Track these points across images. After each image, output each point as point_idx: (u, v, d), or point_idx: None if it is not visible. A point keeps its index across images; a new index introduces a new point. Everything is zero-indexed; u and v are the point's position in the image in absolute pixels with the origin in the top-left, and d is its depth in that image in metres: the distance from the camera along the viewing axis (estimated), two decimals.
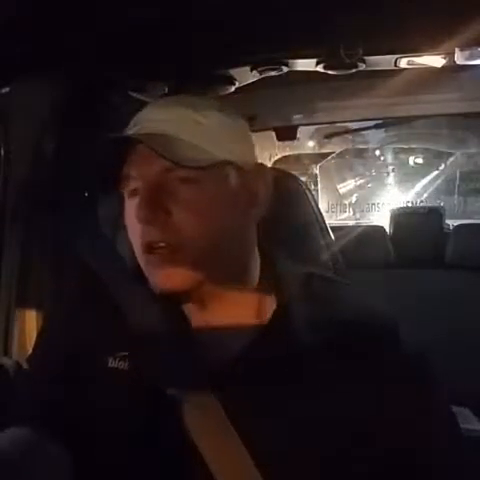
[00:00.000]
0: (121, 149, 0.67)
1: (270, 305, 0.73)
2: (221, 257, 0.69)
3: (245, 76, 1.23)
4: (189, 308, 0.73)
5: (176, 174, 0.66)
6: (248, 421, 0.66)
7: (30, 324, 1.20)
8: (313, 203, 1.01)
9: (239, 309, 0.72)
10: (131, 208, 0.69)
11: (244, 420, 0.66)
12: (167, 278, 0.67)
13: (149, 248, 0.67)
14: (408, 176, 5.95)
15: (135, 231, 0.69)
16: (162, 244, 0.66)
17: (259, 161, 0.76)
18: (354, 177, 6.13)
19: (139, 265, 0.72)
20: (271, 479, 0.64)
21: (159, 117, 0.70)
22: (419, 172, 5.92)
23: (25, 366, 1.04)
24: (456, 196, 5.82)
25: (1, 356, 1.18)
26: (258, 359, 0.68)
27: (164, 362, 0.69)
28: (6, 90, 1.09)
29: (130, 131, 0.70)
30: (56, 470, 0.65)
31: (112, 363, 0.70)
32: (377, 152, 5.88)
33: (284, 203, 0.76)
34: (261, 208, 0.73)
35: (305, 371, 0.67)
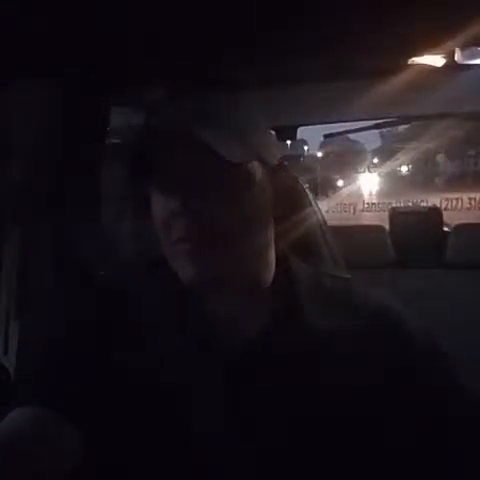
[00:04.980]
0: (160, 141, 0.68)
1: (284, 301, 0.73)
2: (250, 251, 0.71)
3: (245, 76, 1.24)
4: (206, 301, 0.73)
5: (214, 167, 0.67)
6: (257, 412, 0.67)
7: (30, 324, 1.21)
8: (314, 203, 1.01)
9: (254, 304, 0.73)
10: (166, 199, 0.69)
11: (253, 411, 0.67)
12: (203, 268, 0.68)
13: (187, 238, 0.68)
14: None
15: (171, 222, 0.69)
16: (201, 234, 0.67)
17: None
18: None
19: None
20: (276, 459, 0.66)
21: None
22: None
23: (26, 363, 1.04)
24: None
25: (1, 356, 1.18)
26: (271, 353, 0.69)
27: (177, 354, 0.69)
28: (6, 90, 1.10)
29: (164, 124, 0.71)
30: (67, 449, 0.65)
31: (120, 357, 0.70)
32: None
33: (288, 203, 0.77)
34: (280, 205, 0.74)
35: (317, 362, 0.69)
